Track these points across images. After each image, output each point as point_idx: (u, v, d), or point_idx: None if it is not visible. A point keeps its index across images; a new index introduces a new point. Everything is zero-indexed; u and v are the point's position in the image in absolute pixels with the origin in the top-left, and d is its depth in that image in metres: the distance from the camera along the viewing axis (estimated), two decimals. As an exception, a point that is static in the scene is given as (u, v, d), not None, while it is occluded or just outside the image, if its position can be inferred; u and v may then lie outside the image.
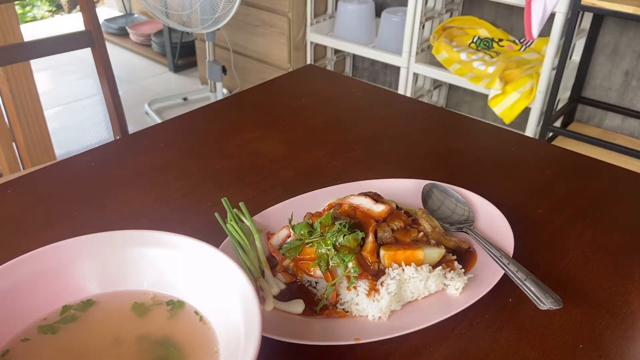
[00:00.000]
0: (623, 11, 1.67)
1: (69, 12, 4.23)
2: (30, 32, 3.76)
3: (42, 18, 4.13)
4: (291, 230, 0.65)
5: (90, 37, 1.31)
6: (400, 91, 2.35)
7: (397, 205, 0.67)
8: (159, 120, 2.70)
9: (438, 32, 2.31)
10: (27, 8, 4.06)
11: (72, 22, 4.09)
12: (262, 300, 0.59)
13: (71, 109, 2.92)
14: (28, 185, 0.81)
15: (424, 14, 2.21)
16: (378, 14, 2.52)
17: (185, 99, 2.96)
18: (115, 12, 4.09)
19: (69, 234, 0.57)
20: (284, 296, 0.60)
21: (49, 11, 4.17)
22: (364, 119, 1.02)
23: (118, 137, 1.39)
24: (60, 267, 0.55)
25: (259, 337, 0.44)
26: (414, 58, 2.26)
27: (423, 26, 2.24)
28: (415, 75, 2.34)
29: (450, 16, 2.41)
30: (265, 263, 0.63)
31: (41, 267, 0.54)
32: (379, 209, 0.64)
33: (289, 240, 0.65)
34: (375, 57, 2.40)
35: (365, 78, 2.86)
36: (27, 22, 4.05)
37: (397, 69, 2.48)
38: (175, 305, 0.54)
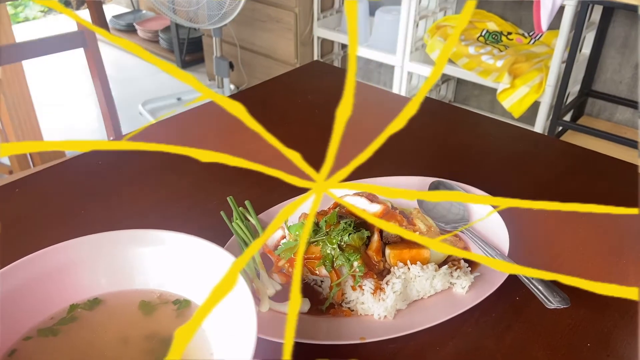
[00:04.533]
0: (633, 3, 1.64)
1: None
2: (23, 32, 3.76)
3: (34, 18, 4.12)
4: (286, 230, 0.64)
5: (83, 38, 1.30)
6: (395, 90, 2.34)
7: (392, 205, 0.67)
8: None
9: (432, 30, 2.29)
10: (19, 8, 4.05)
11: (65, 23, 4.08)
12: (257, 301, 0.59)
13: (66, 110, 2.92)
14: (35, 184, 0.81)
15: (418, 13, 2.19)
16: (372, 12, 2.50)
17: (179, 99, 2.95)
18: (123, 9, 4.10)
19: (76, 232, 0.57)
20: (280, 297, 0.60)
21: (41, 11, 4.16)
22: (360, 117, 1.01)
23: (112, 138, 1.39)
24: (67, 266, 0.55)
25: (255, 339, 0.44)
26: (408, 57, 2.24)
27: (417, 25, 2.22)
28: (410, 74, 2.32)
29: (444, 15, 2.39)
30: (261, 264, 0.63)
31: (48, 266, 0.54)
32: (374, 209, 0.64)
33: (284, 241, 0.65)
34: (370, 56, 2.39)
35: (360, 77, 2.84)
36: (19, 22, 4.04)
37: (391, 67, 2.46)
38: (182, 305, 0.55)
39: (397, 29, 2.23)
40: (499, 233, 0.66)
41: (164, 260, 0.56)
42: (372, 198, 0.66)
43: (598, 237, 0.71)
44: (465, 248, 0.65)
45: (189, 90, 3.05)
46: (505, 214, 0.69)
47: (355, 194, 0.67)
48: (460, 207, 0.71)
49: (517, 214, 0.74)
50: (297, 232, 0.62)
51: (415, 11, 2.16)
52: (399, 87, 2.33)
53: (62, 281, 0.55)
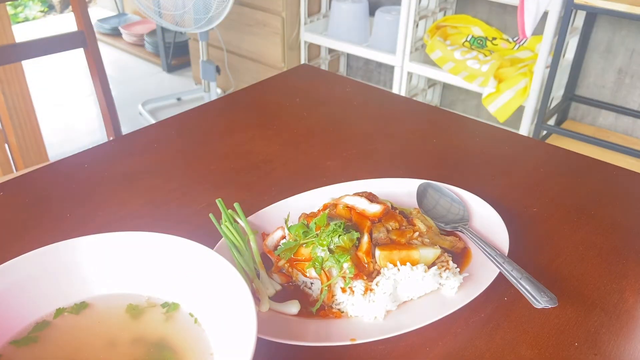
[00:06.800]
0: (616, 9, 1.67)
1: (61, 12, 4.20)
2: (23, 32, 3.74)
3: (34, 19, 4.10)
4: (286, 230, 0.64)
5: (83, 38, 1.30)
6: (395, 90, 2.35)
7: (392, 205, 0.67)
8: (152, 121, 2.69)
9: (432, 31, 2.32)
10: (19, 9, 4.03)
11: (65, 23, 4.07)
12: (257, 301, 0.59)
13: (64, 110, 2.91)
14: (20, 188, 0.80)
15: (418, 13, 2.21)
16: (372, 12, 2.52)
17: (179, 99, 2.95)
18: (108, 12, 4.07)
19: (61, 236, 0.57)
20: (280, 297, 0.60)
21: (41, 11, 4.14)
22: (358, 118, 1.01)
23: (112, 138, 1.38)
24: (53, 269, 0.54)
25: (255, 339, 0.44)
26: (407, 57, 2.26)
27: (417, 25, 2.24)
28: (410, 74, 2.34)
29: (444, 15, 2.41)
30: (261, 264, 0.63)
31: (34, 270, 0.53)
32: (374, 209, 0.64)
33: (283, 241, 0.65)
34: (369, 56, 2.40)
35: (360, 77, 2.86)
36: (19, 22, 4.02)
37: (392, 68, 2.48)
38: (170, 307, 0.54)
39: (397, 29, 2.25)
40: (499, 233, 0.66)
41: (152, 263, 0.56)
42: (372, 198, 0.66)
43: (598, 236, 0.72)
44: (465, 248, 0.66)
45: (188, 90, 3.04)
46: (505, 214, 0.69)
47: (355, 194, 0.67)
48: (460, 207, 0.71)
49: (517, 214, 0.75)
50: (296, 232, 0.62)
51: (415, 11, 2.17)
52: (399, 87, 2.34)
53: (47, 285, 0.54)
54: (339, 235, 0.59)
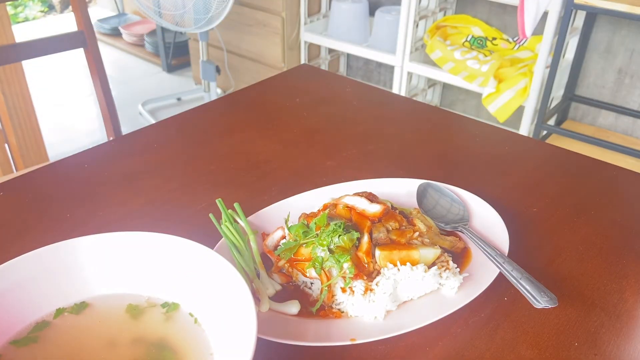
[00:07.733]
0: (616, 9, 1.67)
1: (61, 12, 4.20)
2: (23, 32, 3.74)
3: (34, 18, 4.10)
4: (286, 230, 0.64)
5: (83, 38, 1.30)
6: (395, 90, 2.36)
7: (392, 205, 0.67)
8: (152, 121, 2.69)
9: (432, 31, 2.32)
10: (19, 9, 4.03)
11: (65, 23, 4.07)
12: (257, 301, 0.59)
13: (64, 110, 2.91)
14: (20, 188, 0.80)
15: (418, 13, 2.21)
16: (372, 12, 2.52)
17: (179, 99, 2.95)
18: (108, 12, 4.07)
19: (61, 236, 0.57)
20: (280, 297, 0.60)
21: (41, 11, 4.14)
22: (358, 118, 1.02)
23: (111, 138, 1.38)
24: (53, 269, 0.54)
25: (255, 339, 0.44)
26: (407, 57, 2.26)
27: (417, 25, 2.24)
28: (410, 74, 2.34)
29: (444, 15, 2.41)
30: (261, 264, 0.63)
31: (34, 270, 0.53)
32: (374, 209, 0.64)
33: (283, 241, 0.65)
34: (369, 56, 2.40)
35: (360, 77, 2.86)
36: (19, 22, 4.02)
37: (392, 68, 2.47)
38: (170, 307, 0.54)
39: (397, 29, 2.25)
40: (499, 233, 0.66)
41: (152, 263, 0.56)
42: (372, 198, 0.66)
43: (598, 236, 0.72)
44: (465, 248, 0.66)
45: (188, 90, 3.04)
46: (506, 214, 0.69)
47: (355, 194, 0.67)
48: (460, 207, 0.71)
49: (517, 214, 0.75)
50: (296, 233, 0.62)
51: (415, 11, 2.18)
52: (398, 87, 2.34)
53: (47, 285, 0.54)
54: (339, 235, 0.59)
